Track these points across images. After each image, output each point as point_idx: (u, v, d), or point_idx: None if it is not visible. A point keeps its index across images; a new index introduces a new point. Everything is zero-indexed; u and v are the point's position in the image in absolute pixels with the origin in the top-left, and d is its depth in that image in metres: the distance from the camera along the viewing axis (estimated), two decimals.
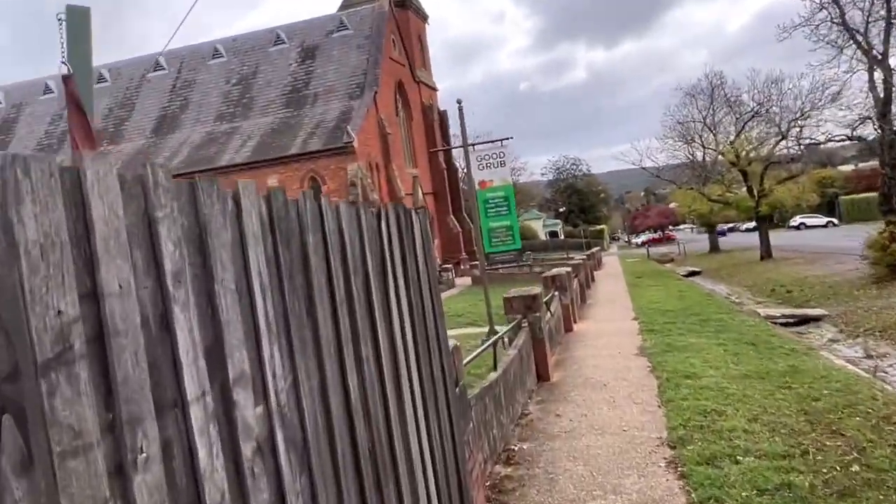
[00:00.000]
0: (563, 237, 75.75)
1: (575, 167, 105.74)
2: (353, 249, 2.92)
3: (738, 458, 5.63)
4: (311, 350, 2.46)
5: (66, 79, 4.12)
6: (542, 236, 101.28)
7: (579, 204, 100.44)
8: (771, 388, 8.02)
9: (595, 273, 33.84)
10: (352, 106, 33.28)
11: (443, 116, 45.97)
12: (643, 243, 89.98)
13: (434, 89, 45.64)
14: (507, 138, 12.65)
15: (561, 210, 57.15)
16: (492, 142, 12.96)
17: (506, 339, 9.94)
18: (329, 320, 2.64)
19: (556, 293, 14.52)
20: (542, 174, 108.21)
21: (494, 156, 12.42)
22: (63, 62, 4.11)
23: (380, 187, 33.32)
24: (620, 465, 5.81)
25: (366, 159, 31.64)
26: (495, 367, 7.28)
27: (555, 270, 16.03)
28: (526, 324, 9.48)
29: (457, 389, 4.53)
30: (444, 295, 31.00)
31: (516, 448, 6.62)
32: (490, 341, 7.68)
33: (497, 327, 13.03)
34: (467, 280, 35.89)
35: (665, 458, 5.83)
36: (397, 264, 3.50)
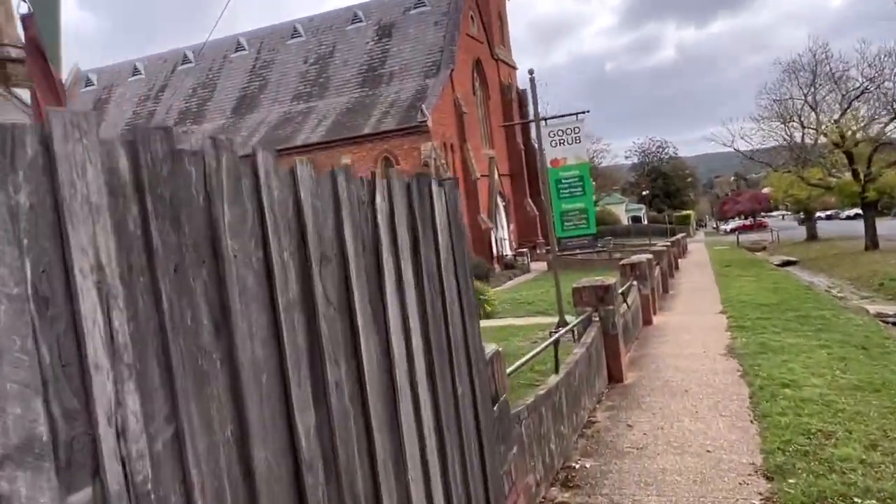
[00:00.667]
0: (646, 222, 72.91)
1: (661, 150, 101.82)
2: (318, 230, 2.05)
3: (856, 500, 4.49)
4: (219, 381, 1.60)
5: (25, 19, 3.45)
6: (625, 221, 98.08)
7: (664, 188, 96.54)
8: (891, 404, 6.72)
9: (679, 261, 31.98)
10: (427, 84, 32.52)
11: (522, 96, 44.51)
12: (733, 230, 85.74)
13: (513, 68, 44.29)
14: (584, 112, 11.55)
15: (644, 193, 54.68)
16: (566, 116, 11.88)
17: (575, 333, 8.96)
18: (263, 333, 1.77)
19: (635, 282, 13.32)
20: (626, 157, 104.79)
21: (569, 131, 11.33)
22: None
23: (454, 168, 32.49)
24: (702, 499, 4.78)
25: (440, 139, 30.85)
26: (556, 370, 6.32)
27: (634, 257, 14.79)
28: (597, 318, 8.45)
29: (495, 408, 3.63)
30: (517, 281, 30.03)
31: (577, 466, 5.67)
32: (551, 339, 6.72)
33: (568, 317, 12.01)
34: (543, 265, 34.72)
35: (760, 495, 4.75)
36: (402, 252, 2.62)
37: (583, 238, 11.47)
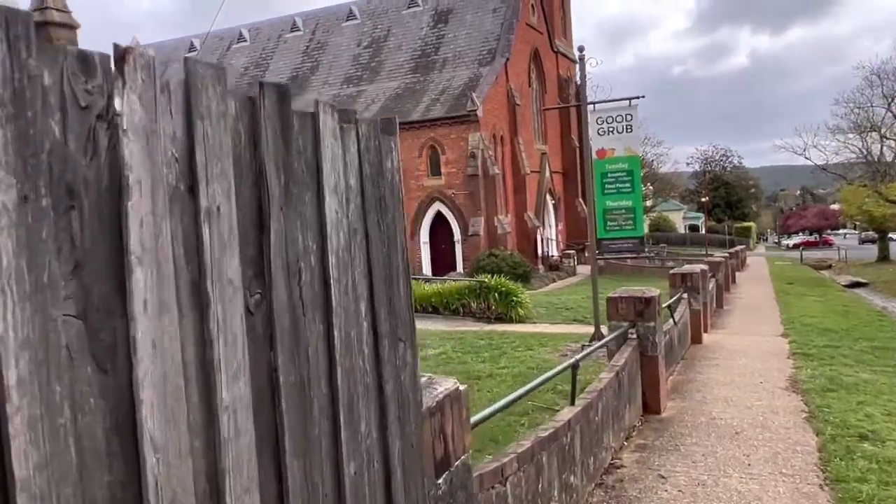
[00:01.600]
0: (703, 232, 69.95)
1: (725, 158, 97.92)
2: None
3: None
4: None
5: None
6: (681, 229, 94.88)
7: (726, 198, 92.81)
8: None
9: (737, 274, 29.94)
10: (480, 73, 31.22)
11: (581, 91, 42.78)
12: (796, 245, 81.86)
13: (573, 61, 42.44)
14: (637, 97, 10.10)
15: (703, 200, 52.14)
16: (617, 101, 10.44)
17: (609, 349, 7.60)
18: None
19: (685, 295, 11.84)
20: (688, 163, 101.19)
21: (619, 118, 9.94)
22: None
23: (502, 162, 31.14)
24: None
25: (490, 130, 29.53)
26: (572, 401, 5.02)
27: (687, 267, 13.26)
28: (634, 335, 7.09)
29: (440, 480, 2.37)
30: (561, 283, 28.52)
31: None
32: (571, 361, 5.40)
33: (604, 329, 10.65)
34: (588, 268, 33.09)
35: None
36: (218, 223, 1.38)
37: (627, 241, 10.06)
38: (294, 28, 39.37)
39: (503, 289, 15.07)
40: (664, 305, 9.60)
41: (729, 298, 20.33)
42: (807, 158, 36.86)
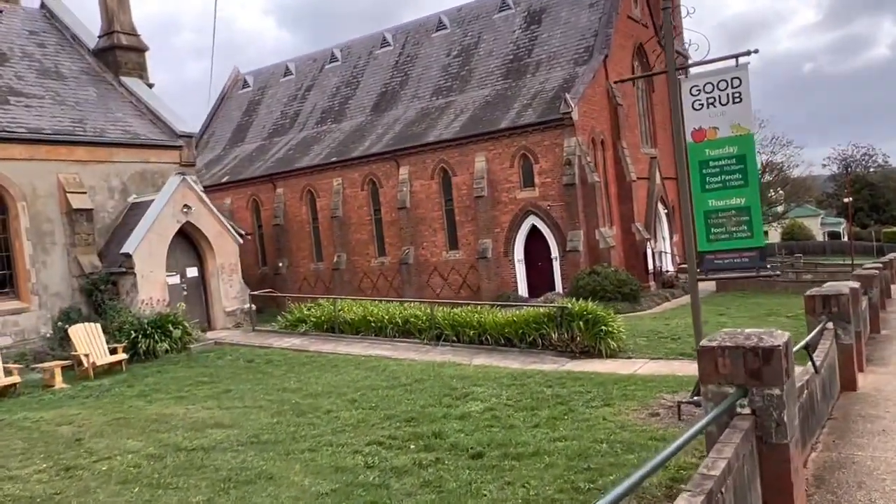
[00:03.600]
0: (846, 239, 62.37)
1: (867, 157, 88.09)
2: None
3: None
4: None
5: None
6: (819, 237, 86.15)
7: (871, 200, 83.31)
8: None
9: (893, 287, 25.16)
10: (576, 73, 28.44)
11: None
12: None
13: (685, 57, 38.67)
14: (747, 52, 7.24)
15: (846, 200, 45.95)
16: (718, 59, 7.63)
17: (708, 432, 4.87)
18: None
19: (831, 325, 8.70)
20: (824, 165, 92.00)
21: (723, 85, 7.16)
22: None
23: (604, 168, 28.10)
24: None
25: (587, 134, 26.64)
26: None
27: (830, 285, 10.02)
28: (745, 408, 4.35)
29: None
30: (675, 303, 24.90)
31: None
32: (653, 463, 2.80)
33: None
34: (712, 285, 29.20)
35: None
36: None
37: (741, 253, 7.19)
38: (384, 43, 38.24)
39: (590, 316, 12.33)
40: (799, 346, 6.67)
41: (886, 320, 16.37)
42: None
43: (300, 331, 16.24)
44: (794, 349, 6.74)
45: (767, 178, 58.90)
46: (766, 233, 76.81)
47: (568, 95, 25.87)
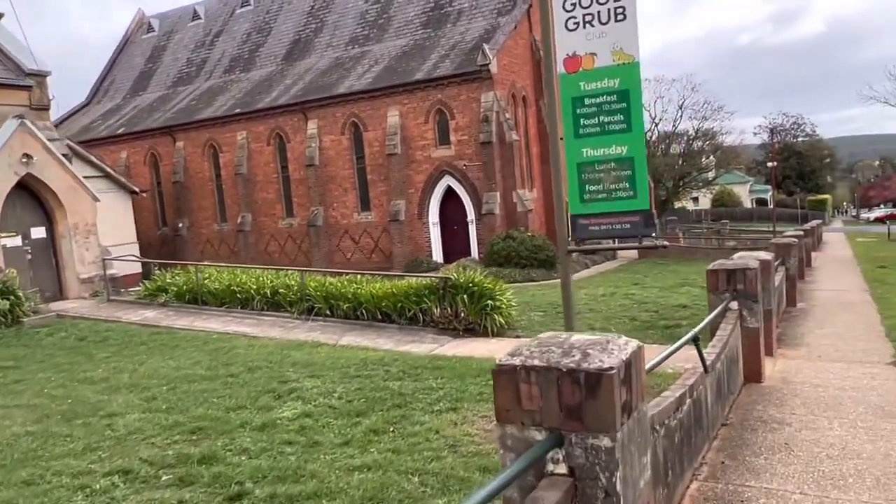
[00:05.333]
0: (772, 205, 63.00)
1: (796, 127, 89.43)
2: None
3: None
4: None
5: None
6: (748, 204, 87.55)
7: (798, 169, 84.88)
8: None
9: (813, 255, 24.59)
10: (499, 23, 26.51)
11: None
12: (878, 219, 73.99)
13: None
14: None
15: (770, 165, 45.72)
16: None
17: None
18: None
19: (734, 305, 7.28)
20: (755, 133, 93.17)
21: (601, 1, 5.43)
22: None
23: (526, 126, 26.46)
24: None
25: (507, 89, 24.87)
26: None
27: (738, 258, 8.60)
28: (562, 469, 2.70)
29: None
30: (594, 270, 23.64)
31: None
32: None
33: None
34: (634, 251, 28.21)
35: None
36: None
37: (623, 218, 5.55)
38: None
39: (475, 288, 10.68)
40: (687, 337, 5.14)
41: (804, 291, 15.38)
42: None
43: (159, 301, 14.14)
44: (684, 339, 5.22)
45: (699, 144, 58.66)
46: (695, 199, 77.44)
47: (486, 46, 23.97)
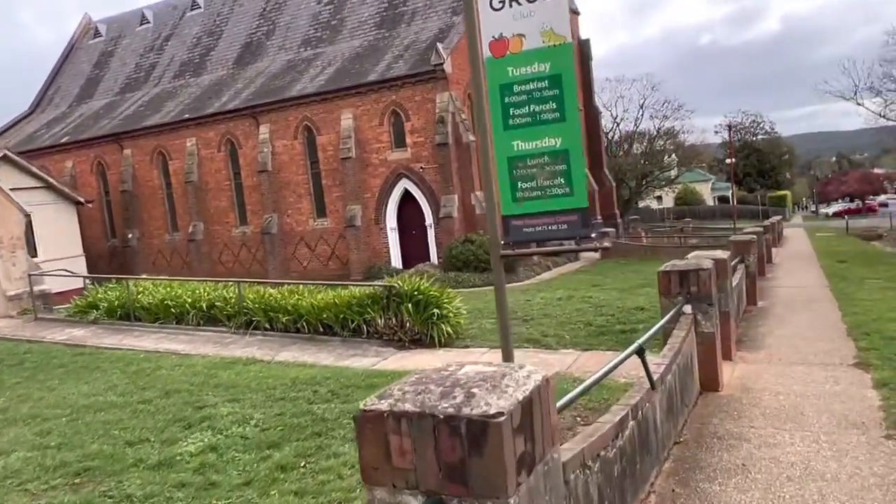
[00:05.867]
0: (734, 203, 63.46)
1: (755, 125, 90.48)
2: None
3: None
4: None
5: None
6: (710, 201, 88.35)
7: (758, 166, 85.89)
8: None
9: (774, 251, 24.48)
10: (454, 22, 25.96)
11: (583, 46, 37.22)
12: (836, 214, 75.31)
13: (575, 12, 36.91)
14: None
15: (728, 161, 45.90)
16: None
17: None
18: None
19: (690, 310, 6.76)
20: (716, 132, 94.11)
21: None
22: None
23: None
24: None
25: (463, 89, 24.31)
26: None
27: (693, 256, 8.09)
28: None
29: None
30: (555, 272, 23.18)
31: None
32: None
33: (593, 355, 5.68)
34: (596, 253, 27.85)
35: None
36: None
37: (559, 217, 4.97)
38: None
39: (420, 297, 10.04)
40: (631, 349, 4.57)
41: (765, 289, 15.05)
42: (858, 104, 30.82)
43: (90, 319, 13.22)
44: (628, 352, 4.65)
45: (661, 143, 58.81)
46: (659, 198, 77.84)
47: (440, 46, 23.40)
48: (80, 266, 27.95)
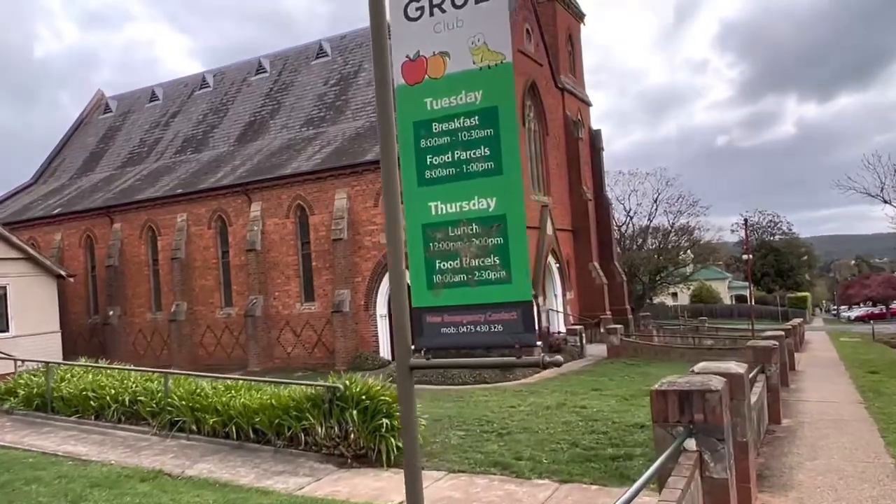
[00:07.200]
0: (752, 302, 61.17)
1: (773, 224, 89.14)
2: None
3: None
4: None
5: None
6: (728, 300, 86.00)
7: (776, 266, 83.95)
8: None
9: (797, 356, 22.37)
10: None
11: (594, 137, 36.46)
12: (859, 318, 72.50)
13: (586, 104, 36.38)
14: None
15: (745, 257, 44.11)
16: None
17: None
18: None
19: (694, 445, 4.95)
20: (732, 230, 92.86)
21: None
22: None
23: None
24: None
25: None
26: None
27: (701, 369, 6.30)
28: None
29: None
30: (553, 372, 21.21)
31: None
32: None
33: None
34: (603, 348, 25.89)
35: None
36: None
37: (491, 315, 3.31)
38: (260, 70, 34.33)
39: (367, 402, 8.26)
40: None
41: (789, 403, 13.04)
42: (885, 201, 29.22)
43: (4, 408, 11.48)
44: None
45: (675, 238, 57.39)
46: (674, 294, 75.71)
47: None
48: (55, 343, 26.41)
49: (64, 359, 25.05)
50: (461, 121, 3.50)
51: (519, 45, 28.32)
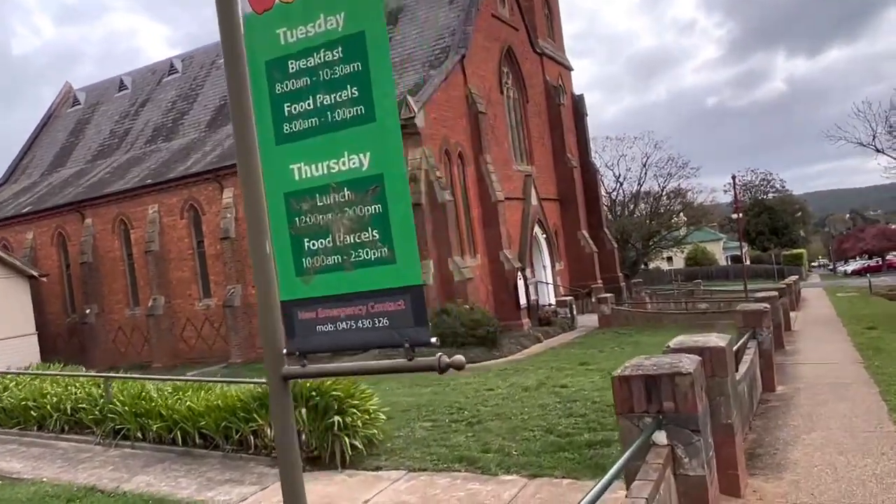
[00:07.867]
0: (748, 262, 60.52)
1: (766, 183, 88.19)
2: None
3: None
4: None
5: None
6: (723, 261, 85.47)
7: (770, 224, 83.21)
8: None
9: (792, 315, 21.74)
10: (431, 76, 24.17)
11: (577, 102, 35.46)
12: (855, 272, 72.18)
13: (567, 68, 35.31)
14: None
15: (735, 217, 43.30)
16: None
17: None
18: None
19: (664, 439, 4.18)
20: (725, 191, 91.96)
21: None
22: None
23: (464, 185, 23.76)
24: None
25: (438, 144, 22.27)
26: None
27: (676, 344, 5.53)
28: None
29: None
30: (543, 346, 20.29)
31: None
32: None
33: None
34: (595, 318, 25.20)
35: None
36: None
37: (373, 305, 2.56)
38: None
39: (317, 399, 7.49)
40: None
41: (785, 367, 12.34)
42: (878, 150, 28.36)
43: None
44: None
45: (667, 202, 56.55)
46: (669, 258, 75.12)
47: (411, 98, 21.46)
48: (32, 346, 25.66)
49: (42, 361, 24.33)
50: (322, 54, 2.66)
51: (493, 9, 27.25)
